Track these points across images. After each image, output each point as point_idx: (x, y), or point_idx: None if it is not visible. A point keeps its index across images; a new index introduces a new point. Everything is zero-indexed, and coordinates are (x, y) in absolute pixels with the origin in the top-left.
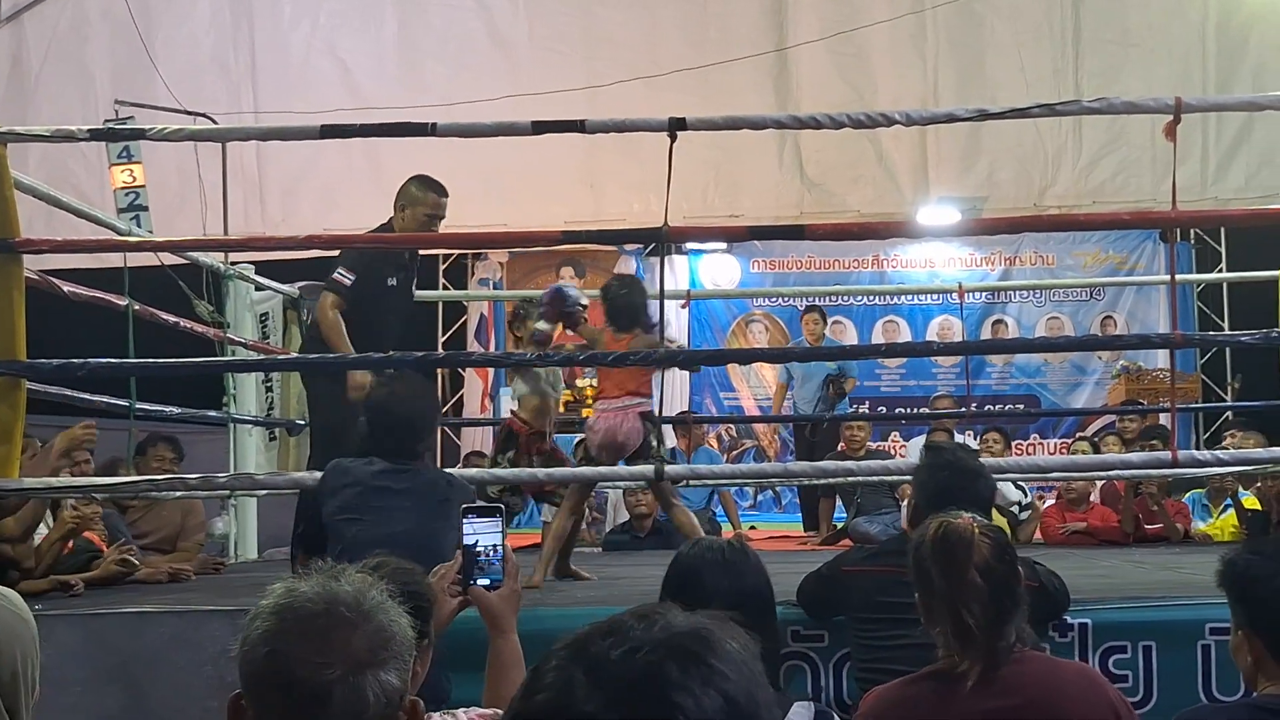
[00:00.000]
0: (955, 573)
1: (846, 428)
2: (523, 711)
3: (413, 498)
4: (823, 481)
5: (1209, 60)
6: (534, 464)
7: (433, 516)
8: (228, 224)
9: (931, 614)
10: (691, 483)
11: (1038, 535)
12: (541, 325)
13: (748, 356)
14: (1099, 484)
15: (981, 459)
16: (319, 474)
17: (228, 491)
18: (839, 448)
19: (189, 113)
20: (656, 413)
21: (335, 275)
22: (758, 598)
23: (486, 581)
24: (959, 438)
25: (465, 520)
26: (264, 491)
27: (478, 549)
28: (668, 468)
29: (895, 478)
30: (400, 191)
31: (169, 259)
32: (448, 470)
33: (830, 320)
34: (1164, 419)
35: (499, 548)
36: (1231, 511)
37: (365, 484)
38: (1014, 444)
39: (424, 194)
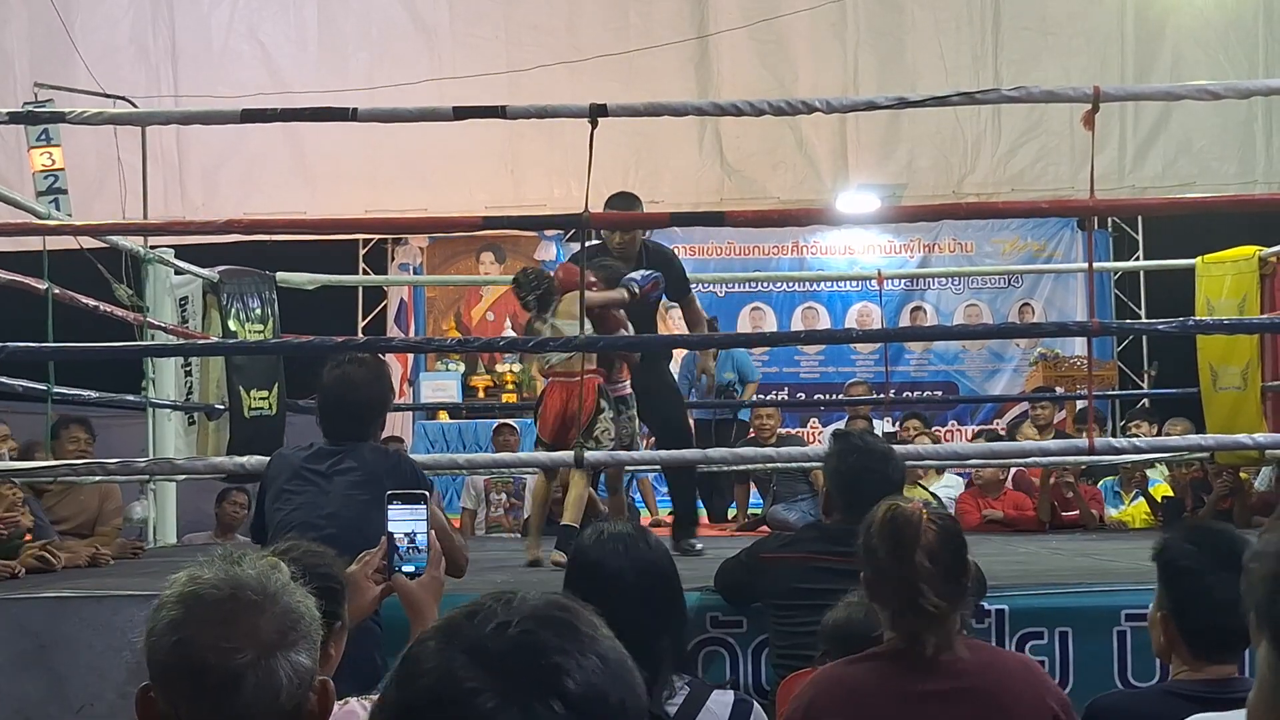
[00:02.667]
0: (902, 556)
1: (756, 415)
2: (407, 700)
3: (344, 478)
4: (740, 468)
5: (1127, 49)
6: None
7: (366, 496)
8: (147, 208)
9: (878, 596)
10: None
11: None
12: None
13: (666, 343)
14: (1011, 470)
15: (901, 445)
16: (239, 459)
17: (147, 476)
18: (749, 435)
19: (108, 96)
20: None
21: None
22: (663, 581)
23: (410, 569)
24: (877, 424)
25: (389, 507)
26: (183, 476)
27: (401, 536)
28: (587, 453)
29: (813, 464)
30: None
31: (88, 242)
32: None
33: (749, 307)
34: (1082, 406)
35: (422, 535)
36: (1143, 499)
37: (294, 469)
38: (931, 430)
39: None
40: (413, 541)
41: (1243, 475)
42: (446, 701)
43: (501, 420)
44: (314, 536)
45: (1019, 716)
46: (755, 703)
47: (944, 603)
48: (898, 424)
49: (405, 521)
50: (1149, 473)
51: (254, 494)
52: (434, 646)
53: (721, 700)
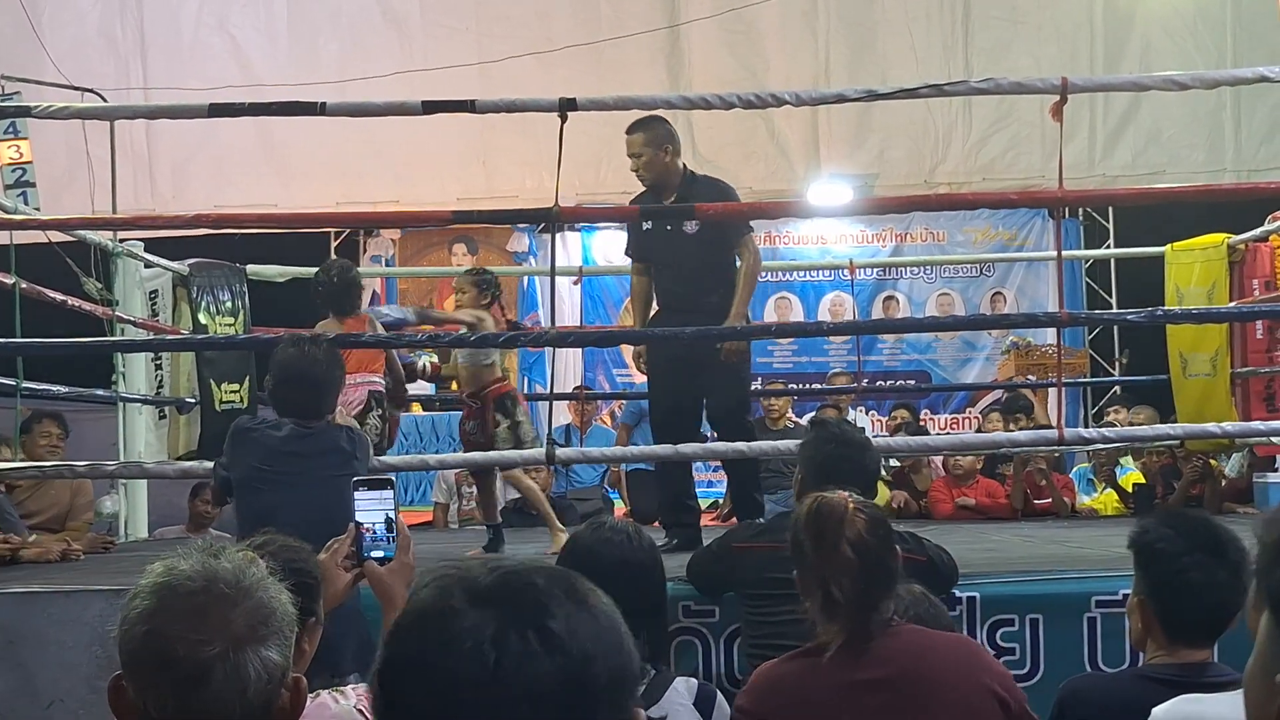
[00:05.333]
0: (826, 546)
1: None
2: (399, 620)
3: (319, 459)
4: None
5: (1096, 38)
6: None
7: (339, 476)
8: (116, 201)
9: (805, 587)
10: None
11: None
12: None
13: (638, 338)
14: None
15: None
16: (208, 464)
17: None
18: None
19: (77, 89)
20: (549, 390)
21: None
22: (650, 581)
23: (380, 555)
24: (850, 414)
25: (356, 493)
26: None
27: (369, 523)
28: (559, 450)
29: (786, 455)
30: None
31: (57, 237)
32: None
33: None
34: (1052, 394)
35: (391, 521)
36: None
37: (275, 449)
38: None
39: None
40: (381, 528)
41: (1213, 462)
42: (432, 615)
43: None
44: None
45: (956, 698)
46: (718, 692)
47: (865, 593)
48: (889, 414)
49: (373, 508)
50: (1122, 461)
51: None
52: (432, 581)
53: (686, 685)
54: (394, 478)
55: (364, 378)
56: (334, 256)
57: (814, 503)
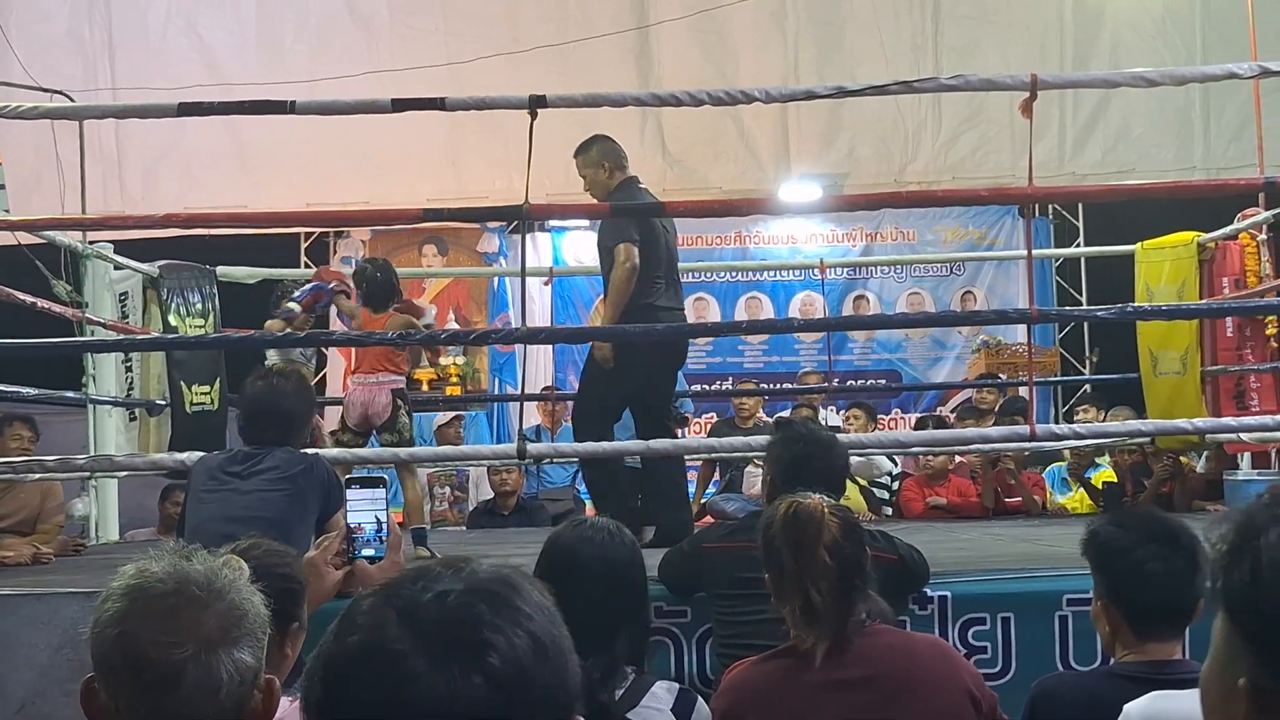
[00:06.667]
0: (805, 552)
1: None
2: (336, 653)
3: (261, 477)
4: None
5: (1066, 36)
6: None
7: (281, 497)
8: (85, 202)
9: (781, 592)
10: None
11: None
12: (292, 305)
13: (609, 335)
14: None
15: (844, 434)
16: (179, 455)
17: (88, 473)
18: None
19: (45, 90)
20: (520, 390)
21: None
22: (631, 580)
23: (370, 553)
24: (821, 413)
25: (348, 492)
26: (124, 473)
27: (360, 522)
28: (530, 445)
29: (757, 453)
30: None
31: (26, 238)
32: (311, 451)
33: (692, 297)
34: (1023, 392)
35: (382, 521)
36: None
37: (211, 471)
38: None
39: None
40: (372, 527)
41: (1183, 460)
42: (372, 659)
43: (444, 421)
44: (227, 535)
45: (931, 697)
46: (699, 696)
47: (843, 596)
48: (842, 413)
49: (364, 508)
50: (1098, 460)
51: None
52: (369, 604)
53: (665, 690)
54: (385, 477)
55: (387, 377)
56: (304, 258)
57: (789, 508)
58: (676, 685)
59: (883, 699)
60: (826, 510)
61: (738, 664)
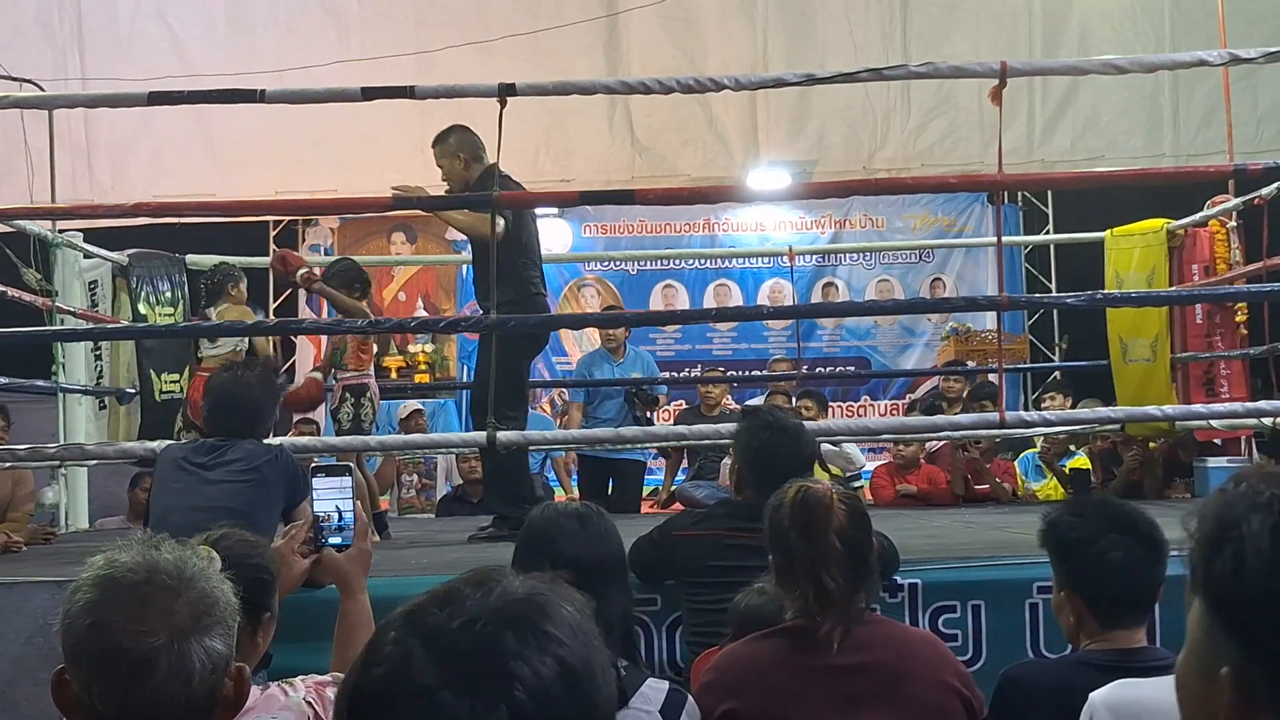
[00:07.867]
0: (815, 537)
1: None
2: (360, 685)
3: (226, 468)
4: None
5: (1035, 24)
6: None
7: (246, 488)
8: (55, 191)
9: (788, 578)
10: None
11: (867, 497)
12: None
13: (579, 322)
14: (928, 446)
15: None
16: (149, 443)
17: (58, 461)
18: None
19: (14, 79)
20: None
21: None
22: (610, 562)
23: (337, 541)
24: (793, 401)
25: (314, 480)
26: (94, 461)
27: (326, 511)
28: (499, 433)
29: (727, 441)
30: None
31: None
32: (277, 441)
33: (661, 285)
34: (992, 379)
35: (348, 509)
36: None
37: (176, 461)
38: (845, 405)
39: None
40: (338, 515)
41: (1152, 446)
42: (398, 693)
43: (411, 410)
44: (194, 524)
45: (920, 689)
46: (688, 694)
47: (851, 582)
48: (792, 401)
49: (330, 495)
50: (1072, 447)
51: None
52: (395, 633)
53: (655, 688)
54: (351, 466)
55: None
56: (273, 246)
57: (798, 493)
58: (666, 683)
59: (872, 687)
60: (835, 496)
61: (719, 646)
